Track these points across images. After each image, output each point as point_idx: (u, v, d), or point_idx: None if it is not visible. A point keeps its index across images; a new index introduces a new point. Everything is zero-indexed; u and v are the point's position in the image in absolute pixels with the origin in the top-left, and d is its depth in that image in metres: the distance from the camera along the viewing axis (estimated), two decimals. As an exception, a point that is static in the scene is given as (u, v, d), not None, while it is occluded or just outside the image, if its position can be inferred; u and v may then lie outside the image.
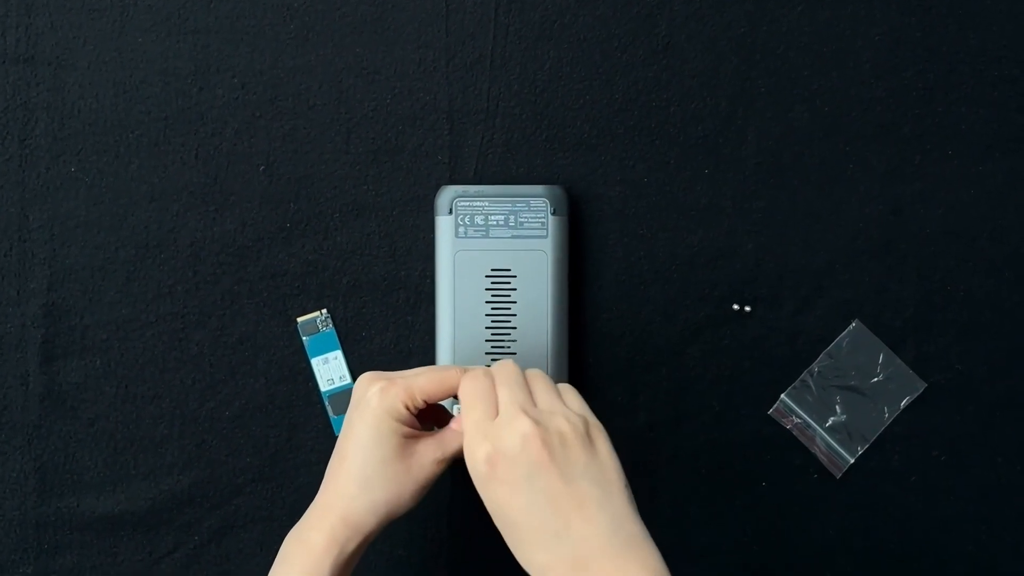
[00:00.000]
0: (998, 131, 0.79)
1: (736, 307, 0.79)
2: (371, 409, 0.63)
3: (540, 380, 0.63)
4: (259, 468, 0.79)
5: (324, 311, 0.79)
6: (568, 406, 0.61)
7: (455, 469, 0.78)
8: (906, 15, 0.78)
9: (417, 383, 0.64)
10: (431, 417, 0.68)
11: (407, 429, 0.64)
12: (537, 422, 0.57)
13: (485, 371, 0.63)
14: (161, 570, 0.79)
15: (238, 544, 0.79)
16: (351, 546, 0.63)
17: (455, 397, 0.64)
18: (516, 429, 0.57)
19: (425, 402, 0.64)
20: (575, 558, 0.56)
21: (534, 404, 0.60)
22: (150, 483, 0.79)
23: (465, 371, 0.63)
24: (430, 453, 0.64)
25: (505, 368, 0.63)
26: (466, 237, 0.77)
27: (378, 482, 0.63)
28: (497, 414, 0.59)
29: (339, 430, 0.78)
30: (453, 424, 0.65)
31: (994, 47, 0.78)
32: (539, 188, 0.77)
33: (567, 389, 0.64)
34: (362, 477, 0.63)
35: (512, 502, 0.57)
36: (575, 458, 0.57)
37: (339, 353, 0.79)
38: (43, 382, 0.79)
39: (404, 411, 0.63)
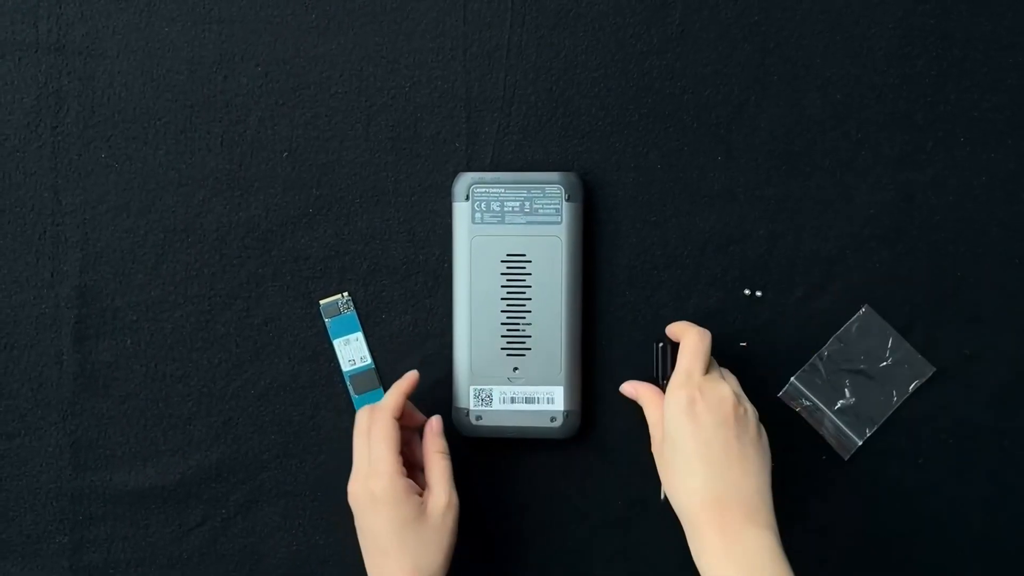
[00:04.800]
0: (1010, 118, 0.79)
1: (747, 292, 0.80)
2: (388, 493, 0.71)
3: (729, 375, 0.74)
4: (283, 445, 0.82)
5: (346, 294, 0.81)
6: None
7: (465, 444, 0.80)
8: (919, 2, 0.79)
9: (387, 466, 0.71)
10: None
11: (415, 498, 0.71)
12: (735, 394, 0.71)
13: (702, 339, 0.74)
14: (189, 541, 0.82)
15: (263, 517, 0.82)
16: None
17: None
18: (719, 390, 0.71)
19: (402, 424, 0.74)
20: (718, 497, 0.68)
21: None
22: (179, 458, 0.82)
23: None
24: (439, 502, 0.72)
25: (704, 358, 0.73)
26: (482, 223, 0.78)
27: (422, 549, 0.71)
28: (704, 373, 0.72)
29: (360, 408, 0.81)
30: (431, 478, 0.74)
31: (1007, 34, 0.78)
32: (554, 175, 0.78)
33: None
34: (408, 554, 0.70)
35: (693, 440, 0.69)
36: (750, 430, 0.70)
37: (360, 334, 0.81)
38: (76, 361, 0.82)
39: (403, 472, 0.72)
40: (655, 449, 0.73)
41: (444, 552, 0.71)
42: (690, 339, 0.73)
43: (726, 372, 0.75)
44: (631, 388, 0.78)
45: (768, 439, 0.71)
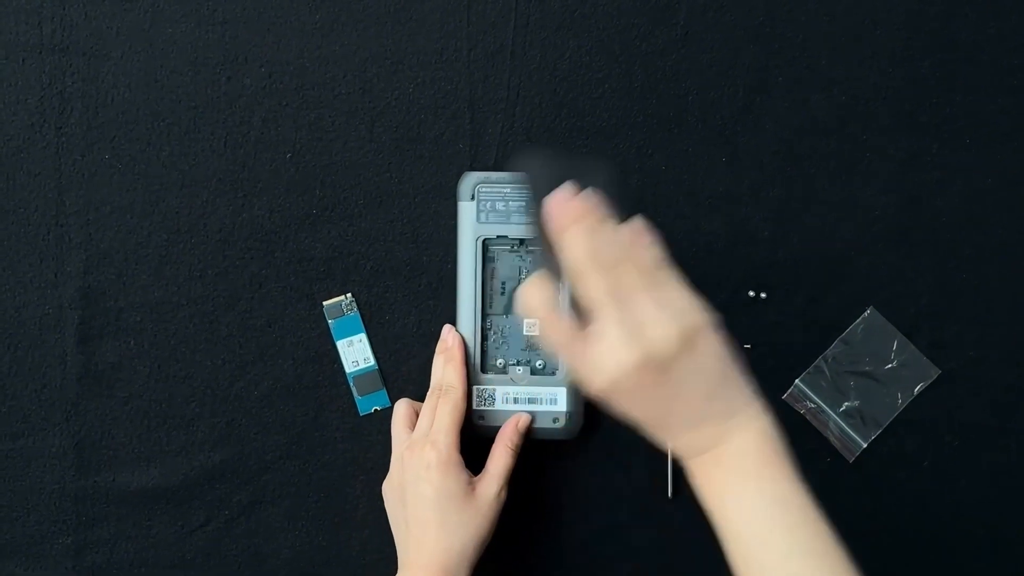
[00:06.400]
0: (1016, 120, 0.79)
1: (752, 294, 0.80)
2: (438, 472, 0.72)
3: (650, 286, 0.60)
4: (286, 446, 0.82)
5: (349, 295, 0.81)
6: (673, 308, 0.59)
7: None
8: (924, 3, 0.78)
9: (447, 438, 0.73)
10: None
11: (466, 475, 0.73)
12: (644, 353, 0.58)
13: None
14: (193, 542, 0.82)
15: (267, 518, 0.82)
16: None
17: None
18: (624, 363, 0.58)
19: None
20: (689, 428, 0.61)
21: (641, 321, 0.59)
22: (182, 459, 0.82)
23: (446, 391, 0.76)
24: (489, 489, 0.73)
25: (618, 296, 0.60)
26: (487, 222, 0.78)
27: (461, 529, 0.72)
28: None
29: (363, 410, 0.81)
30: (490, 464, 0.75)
31: (1013, 35, 0.78)
32: (559, 175, 0.78)
33: (670, 285, 0.61)
34: (447, 530, 0.72)
35: (632, 412, 0.61)
36: (680, 368, 0.59)
37: (363, 336, 0.81)
38: (80, 362, 0.82)
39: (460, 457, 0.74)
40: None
41: (481, 539, 0.72)
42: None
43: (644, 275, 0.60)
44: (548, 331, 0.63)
45: (708, 326, 0.60)
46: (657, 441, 0.64)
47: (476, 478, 0.75)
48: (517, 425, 0.76)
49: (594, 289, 0.60)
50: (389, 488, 0.76)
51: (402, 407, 0.78)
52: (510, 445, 0.76)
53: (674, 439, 0.63)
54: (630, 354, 0.58)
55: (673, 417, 0.61)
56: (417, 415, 0.78)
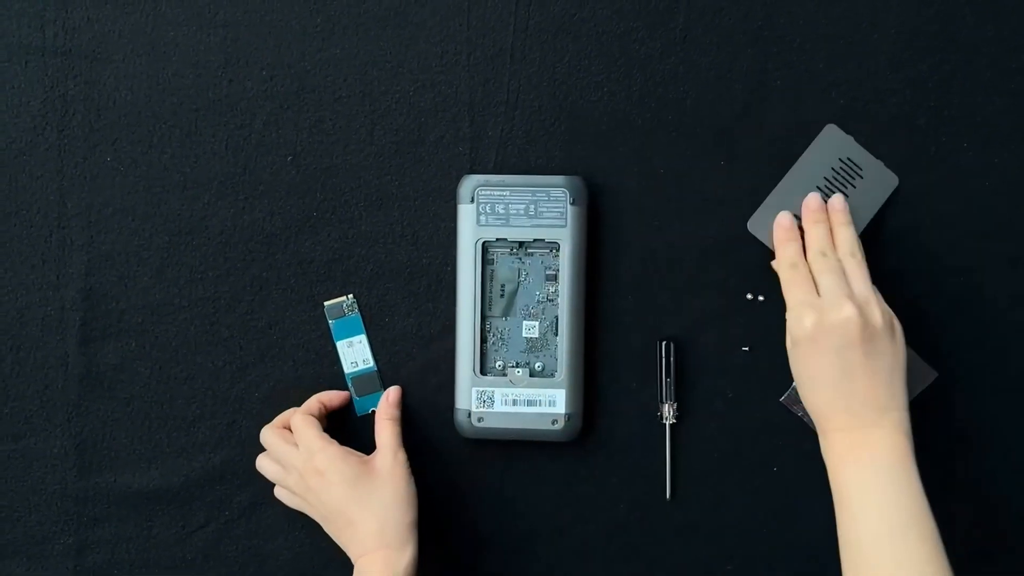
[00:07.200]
0: (1015, 122, 0.79)
1: (750, 296, 0.80)
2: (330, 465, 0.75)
3: (857, 268, 0.72)
4: (287, 447, 0.82)
5: (350, 296, 0.81)
6: (882, 301, 0.71)
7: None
8: (923, 6, 0.78)
9: (318, 442, 0.76)
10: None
11: (356, 457, 0.76)
12: (859, 310, 0.69)
13: (801, 262, 0.73)
14: (193, 543, 0.83)
15: (267, 520, 0.82)
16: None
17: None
18: (842, 312, 0.69)
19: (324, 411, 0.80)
20: (848, 408, 0.69)
21: (852, 291, 0.71)
22: (183, 460, 0.82)
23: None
24: (384, 459, 0.76)
25: (827, 263, 0.72)
26: (487, 225, 0.78)
27: (379, 503, 0.74)
28: (818, 293, 0.71)
29: (361, 411, 0.81)
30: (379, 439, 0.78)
31: (1011, 37, 0.78)
32: (559, 178, 0.78)
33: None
34: (370, 509, 0.74)
35: (816, 363, 0.70)
36: (879, 343, 0.69)
37: (363, 337, 0.82)
38: (82, 363, 0.82)
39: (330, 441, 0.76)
40: (788, 344, 0.72)
41: (404, 503, 0.74)
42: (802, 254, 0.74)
43: (849, 261, 0.72)
44: (783, 250, 0.75)
45: (902, 329, 0.70)
46: (810, 405, 0.71)
47: (370, 456, 0.77)
48: (388, 399, 0.79)
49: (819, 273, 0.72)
50: (304, 495, 0.77)
51: (275, 428, 0.80)
52: (388, 416, 0.78)
53: (831, 408, 0.69)
54: (852, 309, 0.69)
55: (847, 387, 0.69)
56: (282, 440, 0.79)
